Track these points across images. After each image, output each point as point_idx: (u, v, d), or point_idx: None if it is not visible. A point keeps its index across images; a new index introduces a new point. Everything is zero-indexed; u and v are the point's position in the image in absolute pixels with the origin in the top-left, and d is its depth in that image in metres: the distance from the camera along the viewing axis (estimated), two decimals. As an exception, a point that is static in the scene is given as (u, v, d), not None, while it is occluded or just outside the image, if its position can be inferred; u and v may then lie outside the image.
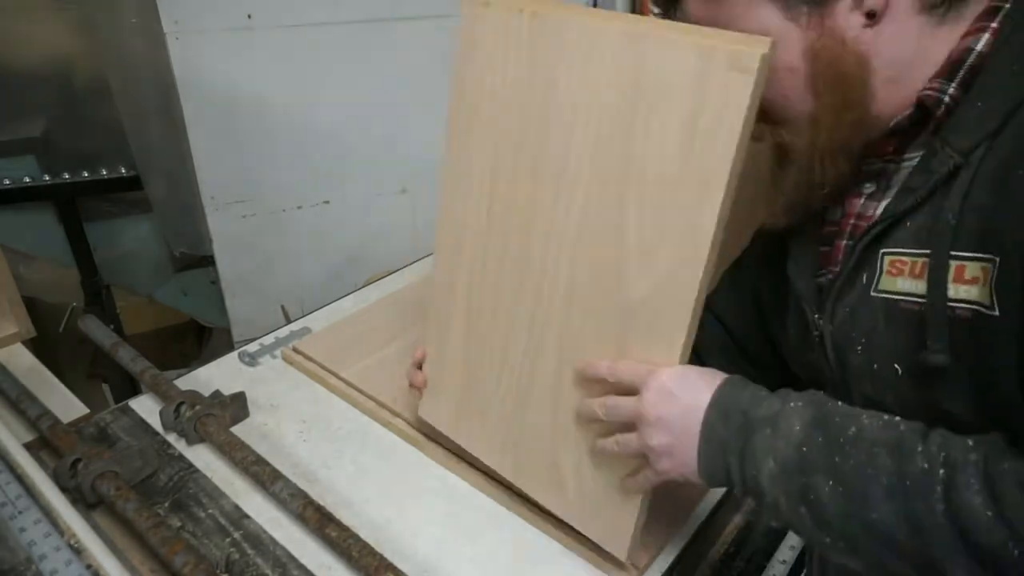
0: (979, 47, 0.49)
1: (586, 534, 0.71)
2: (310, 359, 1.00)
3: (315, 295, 1.73)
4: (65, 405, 0.90)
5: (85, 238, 1.67)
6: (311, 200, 1.68)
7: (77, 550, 0.68)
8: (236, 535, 0.74)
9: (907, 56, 0.51)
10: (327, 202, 1.70)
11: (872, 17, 0.50)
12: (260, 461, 0.79)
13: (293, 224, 1.69)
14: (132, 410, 0.91)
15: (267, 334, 1.08)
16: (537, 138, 0.62)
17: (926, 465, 0.45)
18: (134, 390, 1.15)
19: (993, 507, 0.42)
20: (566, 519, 0.72)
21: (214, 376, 0.98)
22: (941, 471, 0.44)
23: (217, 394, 0.89)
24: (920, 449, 0.46)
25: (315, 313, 1.15)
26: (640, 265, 0.58)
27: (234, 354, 1.03)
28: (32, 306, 1.54)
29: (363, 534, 0.71)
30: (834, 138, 0.53)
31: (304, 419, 0.91)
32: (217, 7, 1.44)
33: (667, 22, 0.55)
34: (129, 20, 1.47)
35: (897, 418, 0.49)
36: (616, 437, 0.60)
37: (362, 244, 1.78)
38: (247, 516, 0.76)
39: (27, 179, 1.58)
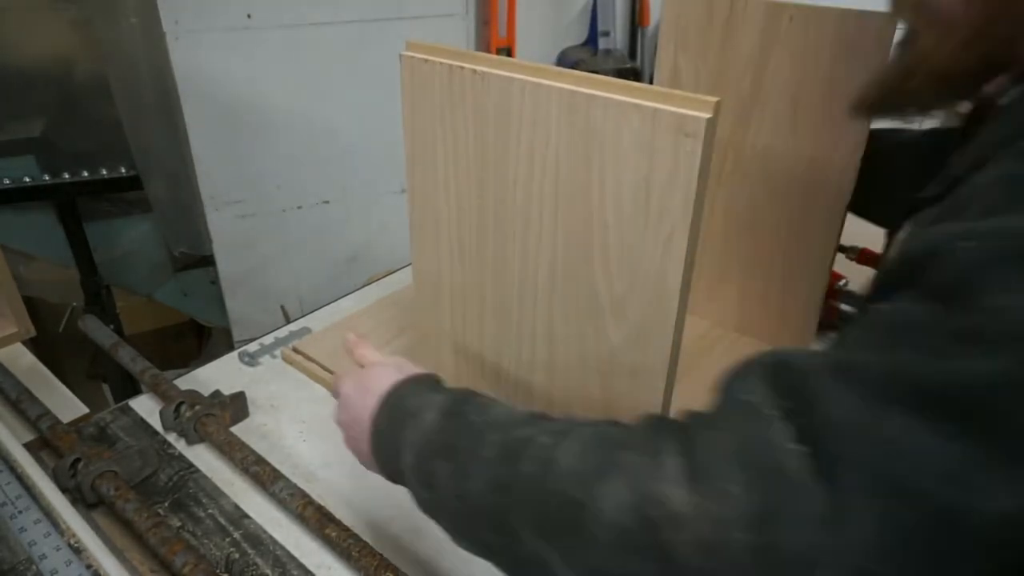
0: None
1: None
2: (310, 359, 1.00)
3: (315, 295, 1.73)
4: (65, 405, 0.90)
5: (85, 238, 1.67)
6: (311, 200, 1.68)
7: (77, 550, 0.68)
8: (236, 535, 0.74)
9: None
10: (327, 202, 1.70)
11: None
12: (260, 461, 0.79)
13: (293, 224, 1.69)
14: (132, 410, 0.91)
15: (267, 334, 1.08)
16: (497, 191, 0.61)
17: (527, 433, 0.44)
18: (134, 390, 1.15)
19: (583, 469, 0.40)
20: None
21: (214, 376, 0.98)
22: (544, 438, 0.43)
23: (217, 394, 0.89)
24: (534, 427, 0.45)
25: (315, 313, 1.15)
26: (614, 315, 0.58)
27: (234, 354, 1.03)
28: (32, 306, 1.55)
29: (363, 534, 0.71)
30: (955, 56, 0.47)
31: (304, 419, 0.91)
32: (217, 7, 1.45)
33: (616, 80, 0.52)
34: (129, 20, 1.47)
35: (539, 414, 0.48)
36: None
37: (362, 244, 1.78)
38: (247, 516, 0.76)
39: (27, 179, 1.58)
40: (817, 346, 0.99)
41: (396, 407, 0.53)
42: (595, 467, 0.39)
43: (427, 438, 0.49)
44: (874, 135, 0.79)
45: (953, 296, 0.33)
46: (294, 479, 0.78)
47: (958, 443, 0.30)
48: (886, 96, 0.56)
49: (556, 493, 0.40)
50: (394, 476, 0.55)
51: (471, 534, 0.48)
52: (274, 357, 1.03)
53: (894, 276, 0.38)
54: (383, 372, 0.56)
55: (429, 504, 0.51)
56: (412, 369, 0.57)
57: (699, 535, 0.34)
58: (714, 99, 0.47)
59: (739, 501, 0.33)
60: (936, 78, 0.49)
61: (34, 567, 0.67)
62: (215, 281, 1.75)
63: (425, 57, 0.60)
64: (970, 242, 0.33)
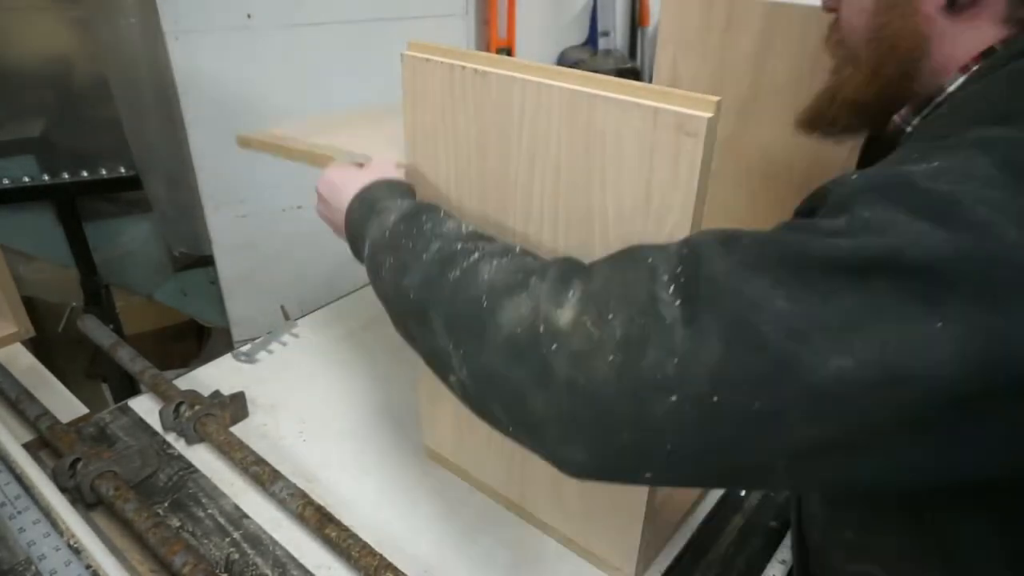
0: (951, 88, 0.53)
1: (594, 552, 0.72)
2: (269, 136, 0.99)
3: (315, 295, 1.73)
4: (64, 405, 0.90)
5: (85, 238, 1.67)
6: (311, 200, 1.68)
7: (76, 550, 0.68)
8: (236, 535, 0.74)
9: (956, 58, 0.53)
10: (327, 202, 1.70)
11: (952, 8, 0.52)
12: (260, 461, 0.79)
13: (293, 224, 1.69)
14: (131, 410, 0.91)
15: (267, 334, 1.08)
16: (497, 188, 0.61)
17: (465, 247, 0.50)
18: (134, 390, 1.15)
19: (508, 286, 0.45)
20: (573, 538, 0.74)
21: (214, 376, 0.98)
22: (476, 255, 0.48)
23: (217, 394, 0.89)
24: (474, 243, 0.50)
25: (315, 313, 1.15)
26: None
27: (234, 353, 1.03)
28: (32, 306, 1.55)
29: (363, 534, 0.71)
30: (859, 89, 0.59)
31: (304, 419, 0.91)
32: (217, 7, 1.44)
33: (617, 80, 0.52)
34: (129, 20, 1.47)
35: (485, 235, 0.54)
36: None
37: (362, 244, 1.78)
38: (247, 516, 0.76)
39: (27, 179, 1.58)
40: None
41: (367, 202, 0.61)
42: (507, 284, 0.45)
43: (383, 234, 0.56)
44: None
45: (831, 211, 0.40)
46: (294, 479, 0.77)
47: (804, 305, 0.35)
48: (815, 117, 0.65)
49: (469, 299, 0.45)
50: (359, 258, 0.63)
51: (401, 322, 0.54)
52: (270, 353, 1.03)
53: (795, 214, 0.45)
54: (365, 172, 0.66)
55: (377, 290, 0.57)
56: (391, 173, 0.66)
57: (573, 349, 0.39)
58: (715, 98, 0.46)
59: (614, 328, 0.38)
60: (849, 106, 0.60)
61: (33, 567, 0.67)
62: (215, 281, 1.74)
63: (426, 56, 0.60)
64: (852, 177, 0.41)
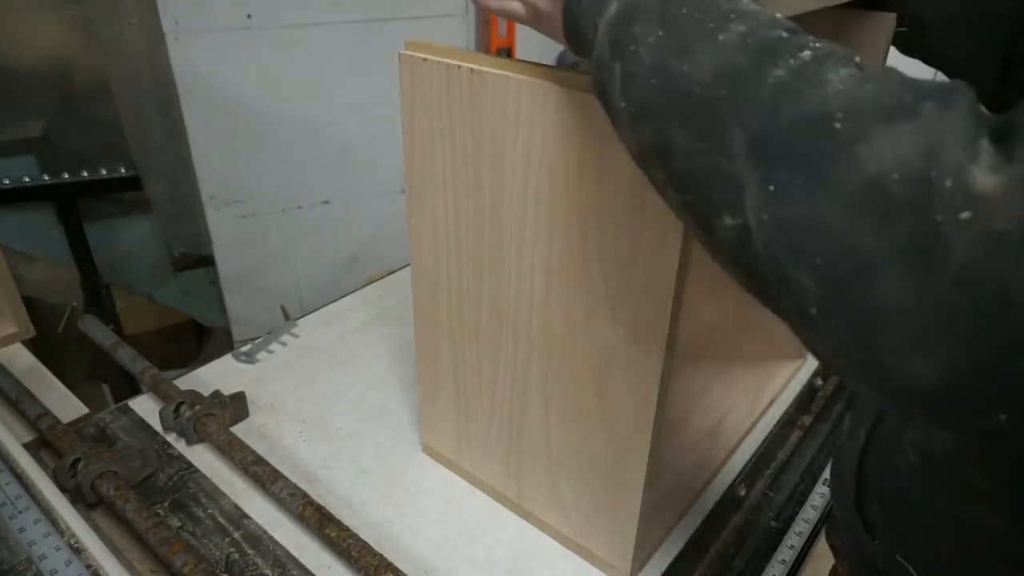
0: None
1: (590, 550, 0.72)
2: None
3: (315, 295, 1.74)
4: (65, 405, 0.90)
5: (85, 238, 1.67)
6: (311, 200, 1.68)
7: (77, 550, 0.68)
8: (236, 535, 0.74)
9: None
10: (327, 202, 1.70)
11: None
12: (260, 461, 0.79)
13: (293, 224, 1.69)
14: (132, 410, 0.91)
15: (266, 334, 1.08)
16: (492, 188, 0.61)
17: (789, 37, 0.34)
18: (134, 390, 1.15)
19: (851, 86, 0.30)
20: (571, 536, 0.74)
21: (214, 376, 0.98)
22: (809, 52, 0.32)
23: (217, 394, 0.89)
24: (799, 36, 0.34)
25: (315, 313, 1.15)
26: (610, 313, 0.58)
27: (234, 353, 1.03)
28: (32, 306, 1.55)
29: (363, 534, 0.71)
30: None
31: (304, 419, 0.91)
32: (217, 7, 1.45)
33: None
34: (129, 20, 1.48)
35: (795, 24, 0.35)
36: None
37: (362, 244, 1.78)
38: (247, 516, 0.76)
39: (27, 179, 1.58)
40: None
41: None
42: (884, 102, 0.29)
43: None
44: None
45: None
46: (294, 479, 0.78)
47: None
48: None
49: (810, 115, 0.30)
50: (574, 28, 0.44)
51: (652, 126, 0.37)
52: (270, 353, 1.03)
53: None
54: None
55: (605, 73, 0.40)
56: None
57: (997, 228, 0.26)
58: None
59: None
60: None
61: (34, 567, 0.67)
62: (215, 281, 1.75)
63: (423, 56, 0.60)
64: None
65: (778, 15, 0.36)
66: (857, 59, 0.32)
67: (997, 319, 0.26)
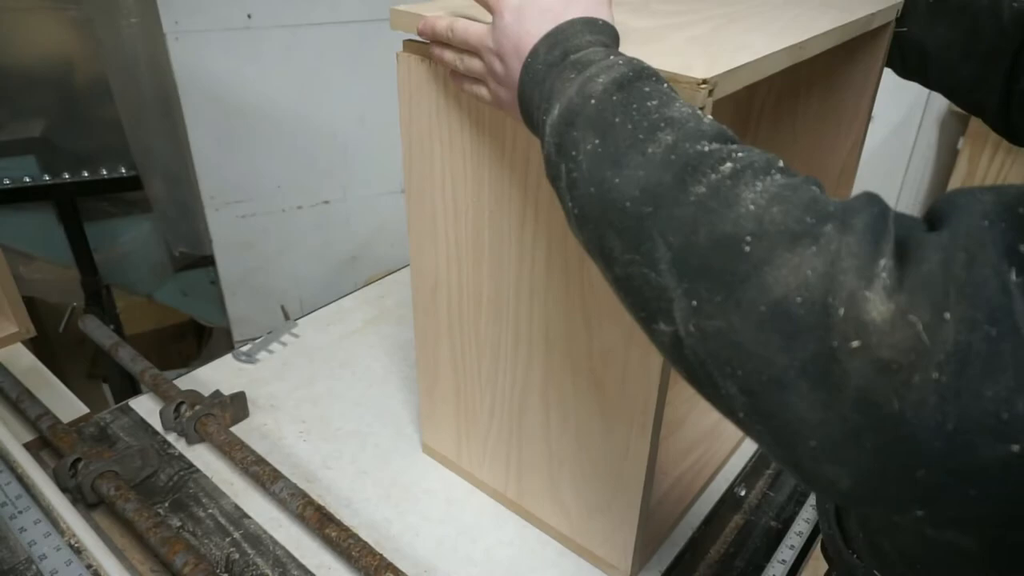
0: None
1: (591, 550, 0.72)
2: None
3: (315, 295, 1.73)
4: (65, 405, 0.90)
5: (85, 238, 1.67)
6: (311, 200, 1.68)
7: (77, 550, 0.68)
8: (236, 535, 0.74)
9: None
10: (327, 202, 1.70)
11: None
12: (260, 461, 0.79)
13: (293, 224, 1.69)
14: (132, 410, 0.91)
15: (267, 334, 1.08)
16: (492, 190, 0.61)
17: (712, 149, 0.35)
18: (134, 390, 1.15)
19: (768, 203, 0.32)
20: (571, 536, 0.74)
21: (214, 376, 0.98)
22: (729, 165, 0.34)
23: (217, 394, 0.89)
24: (722, 146, 0.36)
25: (315, 313, 1.15)
26: (609, 313, 0.58)
27: (234, 353, 1.03)
28: (32, 306, 1.55)
29: (363, 534, 0.71)
30: None
31: (304, 419, 0.91)
32: (217, 7, 1.44)
33: None
34: (129, 20, 1.47)
35: (728, 134, 0.38)
36: (461, 57, 0.54)
37: (362, 244, 1.78)
38: (247, 516, 0.76)
39: (27, 179, 1.58)
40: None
41: (567, 44, 0.44)
42: (788, 226, 0.31)
43: (586, 101, 0.40)
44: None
45: None
46: (294, 479, 0.78)
47: None
48: None
49: (722, 236, 0.32)
50: (528, 120, 0.48)
51: (592, 230, 0.39)
52: (270, 353, 1.03)
53: None
54: (537, 5, 0.47)
55: (554, 170, 0.43)
56: (605, 12, 0.47)
57: (884, 357, 0.27)
58: (709, 96, 0.47)
59: (948, 334, 0.27)
60: None
61: (34, 567, 0.67)
62: (215, 281, 1.74)
63: (420, 57, 0.61)
64: None
65: (707, 118, 0.38)
66: (779, 165, 0.35)
67: (896, 437, 0.28)
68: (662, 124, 0.37)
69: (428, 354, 0.78)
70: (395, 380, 0.99)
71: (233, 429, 0.88)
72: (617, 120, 0.39)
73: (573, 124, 0.41)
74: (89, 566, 0.66)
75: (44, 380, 0.95)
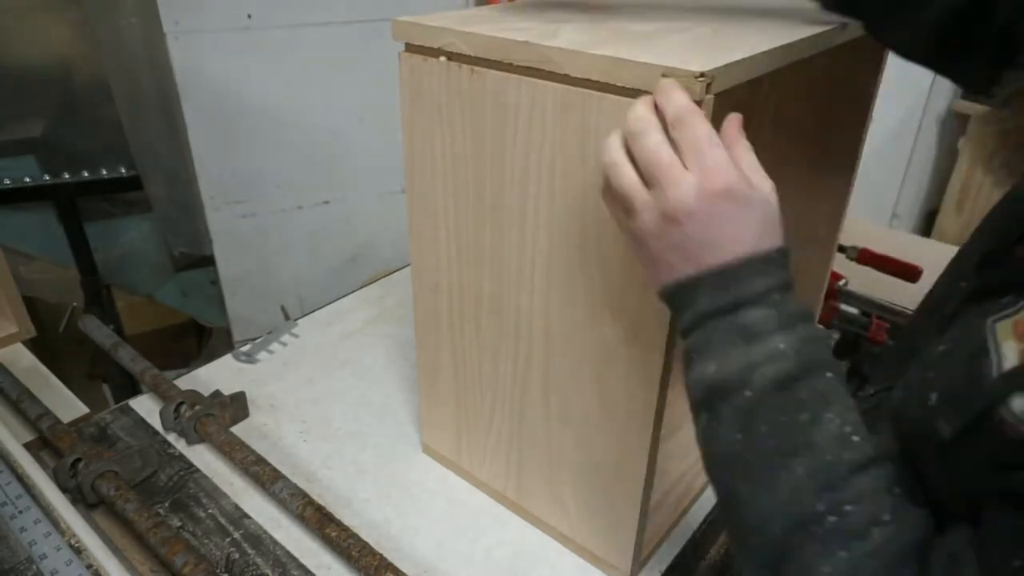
0: None
1: (591, 550, 0.72)
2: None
3: (315, 295, 1.73)
4: (65, 405, 0.90)
5: (85, 238, 1.67)
6: (311, 200, 1.68)
7: (77, 550, 0.68)
8: (236, 535, 0.74)
9: None
10: (327, 202, 1.70)
11: None
12: (260, 461, 0.79)
13: (293, 224, 1.69)
14: (132, 410, 0.91)
15: (267, 334, 1.08)
16: (493, 189, 0.61)
17: (834, 498, 0.40)
18: (134, 390, 1.15)
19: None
20: (571, 536, 0.74)
21: (214, 376, 0.98)
22: (832, 519, 0.39)
23: (217, 394, 0.89)
24: (836, 496, 0.40)
25: (315, 313, 1.15)
26: (610, 311, 0.58)
27: (234, 353, 1.03)
28: (32, 306, 1.55)
29: (363, 534, 0.71)
30: None
31: (304, 419, 0.91)
32: (217, 7, 1.44)
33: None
34: (129, 20, 1.47)
35: (858, 436, 0.41)
36: (614, 194, 0.46)
37: (362, 244, 1.78)
38: (247, 516, 0.76)
39: (27, 179, 1.59)
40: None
41: (731, 299, 0.42)
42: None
43: (743, 386, 0.41)
44: None
45: None
46: (294, 479, 0.78)
47: None
48: None
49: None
50: (666, 301, 0.46)
51: (716, 479, 0.45)
52: (270, 353, 1.03)
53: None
54: (744, 220, 0.42)
55: (694, 401, 0.45)
56: (777, 240, 0.43)
57: None
58: (710, 96, 0.47)
59: None
60: None
61: (34, 567, 0.67)
62: (215, 281, 1.75)
63: (423, 57, 0.60)
64: None
65: (854, 437, 0.40)
66: (883, 519, 0.38)
67: None
68: (801, 448, 0.40)
69: (428, 354, 0.78)
70: (395, 380, 0.99)
71: (233, 429, 0.88)
72: (763, 429, 0.41)
73: (726, 400, 0.42)
74: (89, 566, 0.66)
75: (44, 380, 0.95)
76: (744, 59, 0.49)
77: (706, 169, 0.41)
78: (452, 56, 0.58)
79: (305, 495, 0.74)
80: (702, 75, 0.45)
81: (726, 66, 0.47)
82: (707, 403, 0.43)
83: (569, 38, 0.54)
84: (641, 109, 0.44)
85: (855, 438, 0.40)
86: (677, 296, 0.45)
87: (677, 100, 0.43)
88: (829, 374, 0.41)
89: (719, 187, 0.41)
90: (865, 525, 0.38)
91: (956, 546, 0.37)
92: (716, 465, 0.44)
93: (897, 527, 0.38)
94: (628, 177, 0.44)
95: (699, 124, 0.42)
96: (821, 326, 0.44)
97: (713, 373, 0.42)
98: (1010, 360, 0.38)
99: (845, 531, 0.38)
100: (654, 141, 0.42)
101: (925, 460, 0.42)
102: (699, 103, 0.45)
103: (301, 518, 0.73)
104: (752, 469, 0.41)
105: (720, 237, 0.42)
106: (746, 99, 0.89)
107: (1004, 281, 0.42)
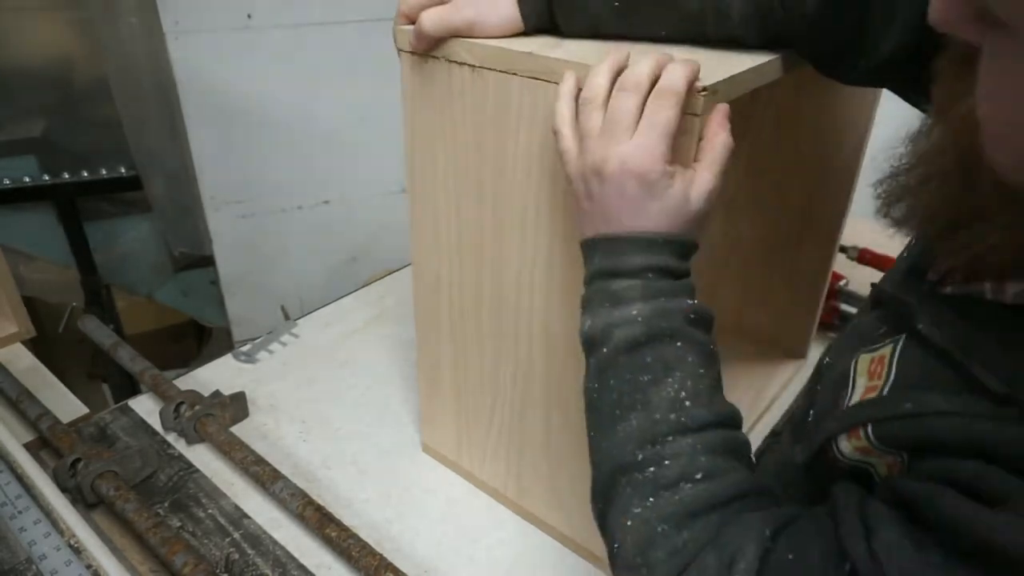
0: None
1: (591, 550, 0.72)
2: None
3: (315, 295, 1.73)
4: (65, 405, 0.90)
5: (85, 238, 1.67)
6: (311, 200, 1.68)
7: (77, 550, 0.68)
8: (236, 535, 0.74)
9: None
10: (327, 202, 1.70)
11: None
12: (260, 461, 0.79)
13: (293, 224, 1.69)
14: (132, 410, 0.91)
15: (267, 334, 1.08)
16: (495, 189, 0.61)
17: (644, 457, 0.45)
18: (134, 390, 1.15)
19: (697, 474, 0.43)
20: (571, 536, 0.74)
21: (214, 376, 0.98)
22: (651, 471, 0.44)
23: (217, 394, 0.89)
24: (656, 449, 0.44)
25: (315, 313, 1.15)
26: None
27: (234, 353, 1.03)
28: (32, 306, 1.55)
29: (363, 534, 0.71)
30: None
31: (304, 419, 0.91)
32: (217, 7, 1.44)
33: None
34: (129, 20, 1.47)
35: (707, 405, 0.45)
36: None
37: (362, 244, 1.78)
38: (247, 516, 0.76)
39: (27, 179, 1.59)
40: (815, 348, 0.99)
41: (609, 265, 0.47)
42: (696, 535, 0.42)
43: (603, 344, 0.47)
44: None
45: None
46: (294, 479, 0.78)
47: None
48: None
49: (635, 543, 0.43)
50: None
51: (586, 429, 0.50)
52: (270, 353, 1.03)
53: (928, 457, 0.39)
54: (645, 205, 0.46)
55: (585, 380, 0.50)
56: (677, 232, 0.47)
57: None
58: (711, 97, 0.47)
59: None
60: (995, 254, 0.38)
61: (34, 567, 0.67)
62: (215, 281, 1.74)
63: (424, 57, 0.60)
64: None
65: (680, 401, 0.45)
66: (696, 477, 0.44)
67: None
68: (640, 404, 0.45)
69: (429, 353, 0.78)
70: (395, 380, 0.99)
71: (233, 429, 0.88)
72: (612, 383, 0.46)
73: (591, 354, 0.48)
74: (89, 566, 0.66)
75: (44, 380, 0.95)
76: (745, 71, 0.50)
77: (638, 147, 0.45)
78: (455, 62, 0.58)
79: (305, 495, 0.74)
80: (704, 90, 0.46)
81: (728, 79, 0.48)
82: (585, 353, 0.49)
83: (572, 50, 0.54)
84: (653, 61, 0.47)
85: (687, 403, 0.45)
86: (585, 248, 0.50)
87: (675, 76, 0.45)
88: (679, 343, 0.46)
89: (635, 169, 0.45)
90: (675, 479, 0.43)
91: (791, 515, 0.41)
92: (585, 409, 0.50)
93: (709, 484, 0.43)
94: (565, 121, 0.49)
95: (669, 109, 0.45)
96: (701, 303, 0.47)
97: (588, 328, 0.48)
98: (856, 396, 0.44)
99: (658, 481, 0.43)
100: (633, 102, 0.46)
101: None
102: (698, 115, 0.46)
103: (301, 518, 0.73)
104: (600, 416, 0.47)
105: (619, 211, 0.46)
106: (747, 108, 0.89)
107: (883, 315, 0.47)
